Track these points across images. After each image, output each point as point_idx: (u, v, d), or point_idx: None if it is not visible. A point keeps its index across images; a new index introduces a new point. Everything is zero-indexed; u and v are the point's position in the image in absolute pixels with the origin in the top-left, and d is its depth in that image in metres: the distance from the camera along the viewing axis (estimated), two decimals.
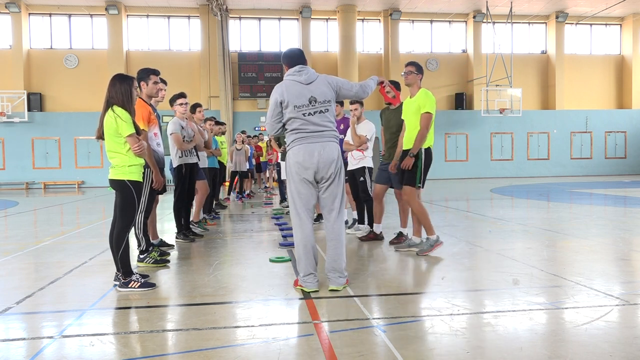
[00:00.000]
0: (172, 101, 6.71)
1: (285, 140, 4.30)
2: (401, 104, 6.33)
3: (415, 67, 5.49)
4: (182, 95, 6.66)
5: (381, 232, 6.60)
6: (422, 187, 5.42)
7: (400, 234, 6.30)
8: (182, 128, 6.56)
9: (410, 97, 5.53)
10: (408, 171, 5.38)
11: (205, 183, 7.64)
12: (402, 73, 5.59)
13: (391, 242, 6.22)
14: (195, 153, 6.78)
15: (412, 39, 24.87)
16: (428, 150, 5.42)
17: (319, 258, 4.50)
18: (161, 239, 6.19)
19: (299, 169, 4.07)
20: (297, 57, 4.22)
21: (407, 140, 5.52)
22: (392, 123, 6.28)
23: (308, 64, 4.30)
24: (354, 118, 6.58)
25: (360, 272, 4.82)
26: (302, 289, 4.12)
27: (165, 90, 5.94)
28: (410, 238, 5.86)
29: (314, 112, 4.07)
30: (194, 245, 6.45)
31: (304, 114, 4.06)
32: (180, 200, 6.62)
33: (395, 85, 6.39)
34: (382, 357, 2.79)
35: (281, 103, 4.09)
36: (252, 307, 3.73)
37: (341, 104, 6.73)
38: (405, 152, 5.50)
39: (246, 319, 3.46)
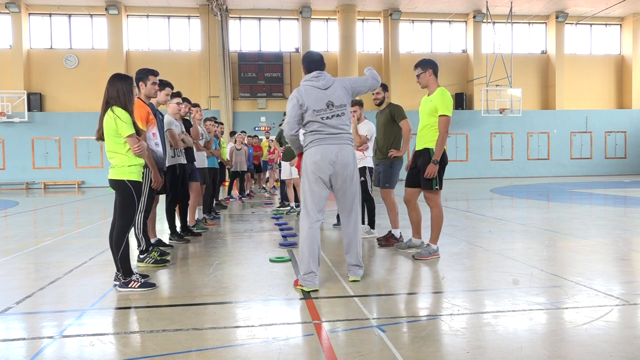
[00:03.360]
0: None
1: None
2: (389, 104, 6.32)
3: (421, 67, 5.27)
4: (177, 94, 6.65)
5: (401, 236, 6.28)
6: (440, 188, 5.28)
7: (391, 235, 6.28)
8: (175, 126, 6.51)
9: (428, 95, 5.33)
10: (424, 176, 5.22)
11: (198, 185, 7.56)
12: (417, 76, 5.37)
13: (380, 242, 6.22)
14: (183, 153, 6.66)
15: (412, 39, 24.87)
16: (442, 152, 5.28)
17: (321, 259, 4.50)
18: (159, 239, 6.18)
19: (316, 168, 4.22)
20: (316, 63, 4.37)
21: (418, 140, 5.37)
22: (380, 124, 6.31)
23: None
24: (355, 119, 6.59)
25: None
26: (302, 289, 4.12)
27: (168, 91, 5.97)
28: (410, 239, 5.86)
29: (332, 116, 4.26)
30: (194, 245, 6.45)
31: (322, 118, 4.24)
32: (174, 202, 6.58)
33: (383, 87, 6.35)
34: (382, 357, 2.79)
35: (301, 106, 4.25)
36: (252, 307, 3.73)
37: (360, 105, 6.63)
38: (418, 153, 5.37)
39: (246, 319, 3.46)
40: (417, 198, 5.60)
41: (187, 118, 7.44)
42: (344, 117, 4.32)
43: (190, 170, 6.99)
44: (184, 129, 6.82)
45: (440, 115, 5.11)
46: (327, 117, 4.24)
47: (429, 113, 5.22)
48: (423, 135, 5.30)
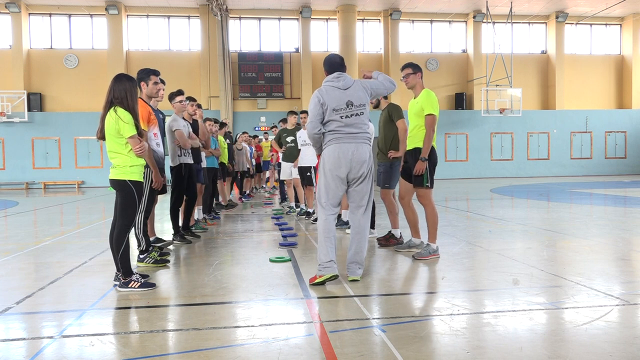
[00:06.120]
0: (171, 98, 6.70)
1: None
2: (388, 104, 6.34)
3: (412, 68, 5.46)
4: (180, 92, 6.68)
5: (401, 236, 6.26)
6: (431, 186, 5.37)
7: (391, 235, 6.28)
8: (183, 126, 6.55)
9: (414, 98, 5.50)
10: (414, 173, 5.34)
11: (200, 185, 7.55)
12: (402, 78, 5.52)
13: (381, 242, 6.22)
14: (189, 154, 6.71)
15: (412, 39, 24.88)
16: (432, 150, 5.38)
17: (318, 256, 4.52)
18: (157, 237, 6.19)
19: (333, 166, 4.35)
20: (336, 65, 4.52)
21: (409, 141, 5.53)
22: (381, 124, 6.34)
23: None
24: None
25: None
26: (320, 280, 4.22)
27: (163, 90, 5.96)
28: (410, 239, 5.86)
29: (351, 115, 4.38)
30: (194, 245, 6.45)
31: (341, 117, 4.36)
32: (179, 201, 6.58)
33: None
34: (382, 357, 2.79)
35: (322, 104, 4.37)
36: (252, 307, 3.73)
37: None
38: (409, 153, 5.50)
39: (246, 319, 3.46)
40: (412, 196, 5.69)
41: (195, 119, 7.48)
42: (363, 117, 4.43)
43: (196, 171, 7.00)
44: (190, 130, 6.83)
45: (426, 115, 5.29)
46: (346, 116, 4.36)
47: (416, 114, 5.41)
48: (413, 136, 5.48)
